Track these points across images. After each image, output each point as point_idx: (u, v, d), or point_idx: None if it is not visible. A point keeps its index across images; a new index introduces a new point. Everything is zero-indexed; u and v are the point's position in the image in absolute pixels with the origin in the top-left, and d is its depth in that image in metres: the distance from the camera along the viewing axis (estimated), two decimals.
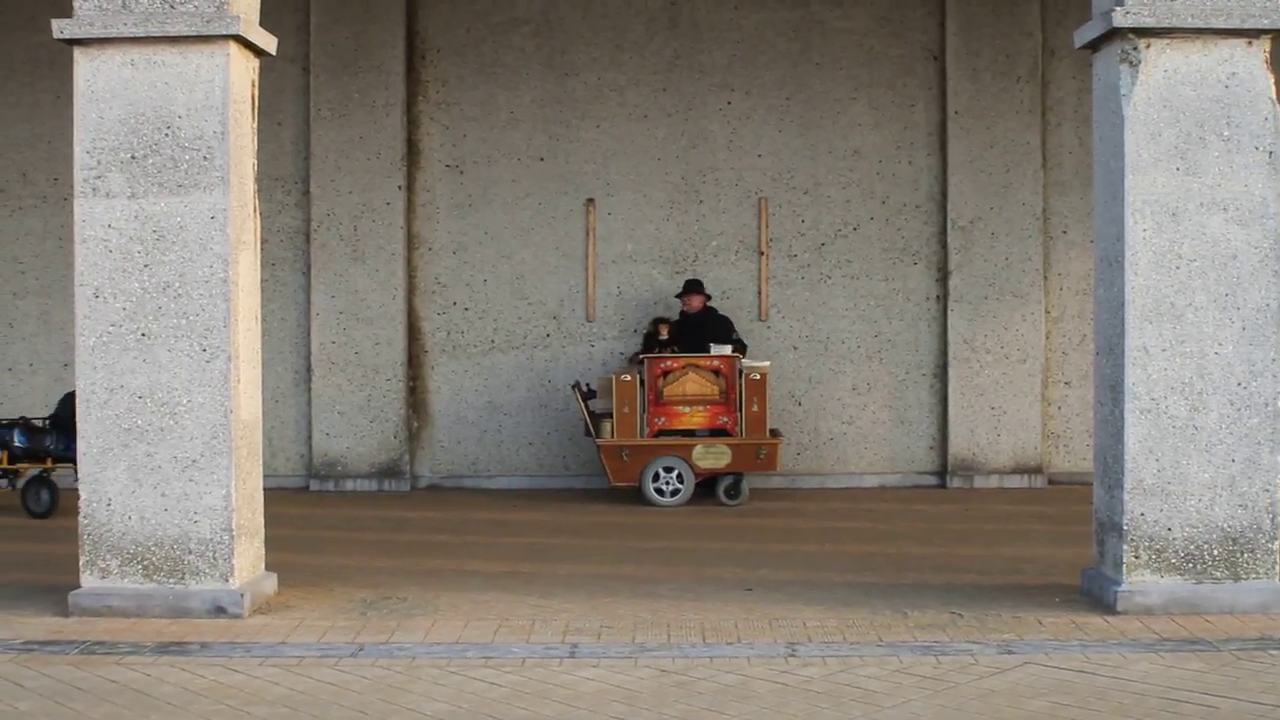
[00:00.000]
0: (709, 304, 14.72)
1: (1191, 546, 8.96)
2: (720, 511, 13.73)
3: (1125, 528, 8.95)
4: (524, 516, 13.51)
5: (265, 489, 9.78)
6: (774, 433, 14.16)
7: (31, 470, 13.56)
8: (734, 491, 14.05)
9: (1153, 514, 8.94)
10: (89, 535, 9.05)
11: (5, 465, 13.53)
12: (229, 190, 8.98)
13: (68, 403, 13.36)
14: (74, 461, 13.03)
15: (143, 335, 8.99)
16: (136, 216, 8.98)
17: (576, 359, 15.44)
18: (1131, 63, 8.94)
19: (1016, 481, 15.23)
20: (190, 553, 9.00)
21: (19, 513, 13.33)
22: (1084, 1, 10.36)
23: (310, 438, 15.36)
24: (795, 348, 15.44)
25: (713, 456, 13.93)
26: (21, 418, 13.77)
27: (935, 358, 15.45)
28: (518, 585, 10.11)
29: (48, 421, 13.69)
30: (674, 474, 13.94)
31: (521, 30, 15.46)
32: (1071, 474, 15.27)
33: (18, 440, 13.47)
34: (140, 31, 8.91)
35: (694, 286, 14.67)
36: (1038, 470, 15.28)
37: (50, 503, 13.37)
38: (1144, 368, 8.92)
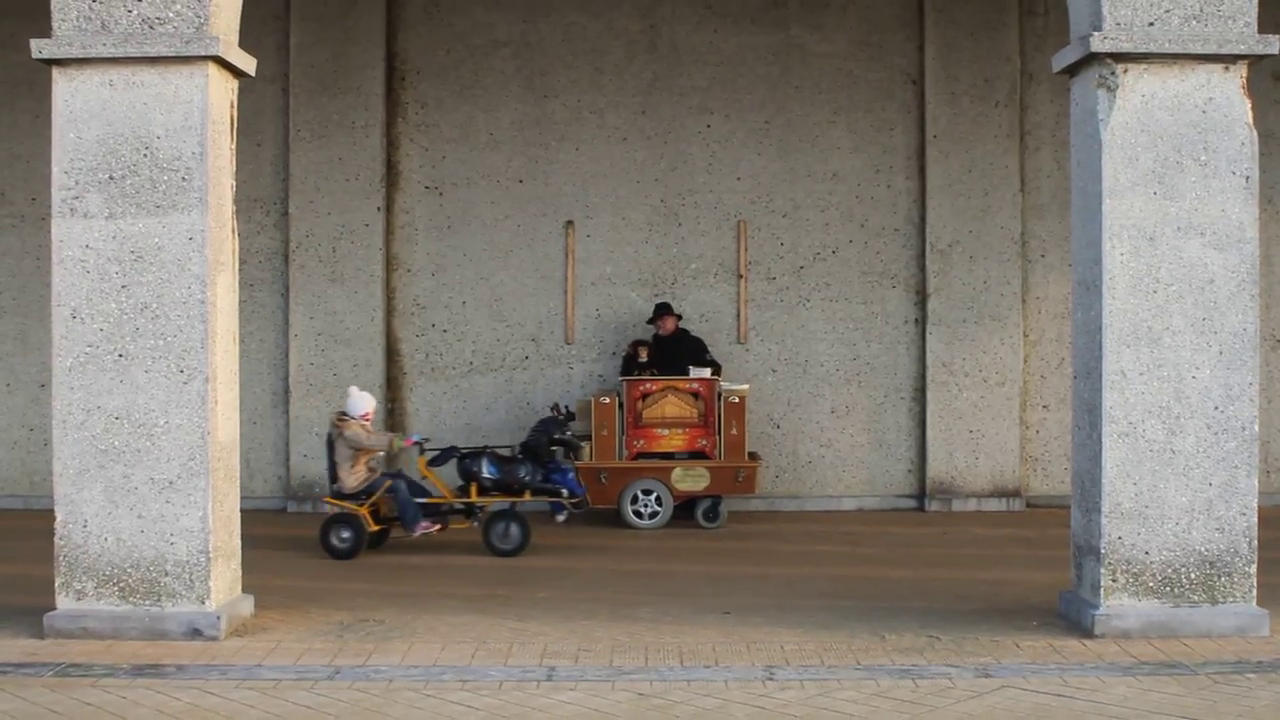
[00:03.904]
0: (681, 325, 14.73)
1: (1169, 570, 8.97)
2: (699, 534, 13.71)
3: (1103, 551, 8.96)
4: None
5: (242, 510, 9.74)
6: (752, 456, 14.17)
7: (498, 503, 12.56)
8: (712, 514, 14.03)
9: (1130, 537, 8.95)
10: (65, 557, 9.00)
11: (472, 499, 12.60)
12: (207, 211, 8.96)
13: (543, 429, 12.82)
14: (551, 494, 12.56)
15: (120, 356, 8.96)
16: (114, 237, 8.95)
17: (555, 381, 15.42)
18: (1109, 87, 8.97)
19: (994, 505, 15.24)
20: (167, 575, 8.96)
21: (481, 550, 12.41)
22: (1062, 26, 10.42)
23: (288, 459, 15.30)
24: (774, 370, 15.45)
25: (691, 479, 13.92)
26: (487, 447, 12.97)
27: (913, 381, 15.47)
28: (495, 608, 10.09)
29: (518, 450, 12.84)
30: (652, 497, 13.92)
31: (501, 52, 15.47)
32: (1049, 497, 15.30)
33: (486, 471, 12.57)
34: (119, 52, 8.90)
35: (665, 309, 14.66)
36: (1016, 493, 15.29)
37: (521, 540, 12.33)
38: (1122, 391, 8.95)
